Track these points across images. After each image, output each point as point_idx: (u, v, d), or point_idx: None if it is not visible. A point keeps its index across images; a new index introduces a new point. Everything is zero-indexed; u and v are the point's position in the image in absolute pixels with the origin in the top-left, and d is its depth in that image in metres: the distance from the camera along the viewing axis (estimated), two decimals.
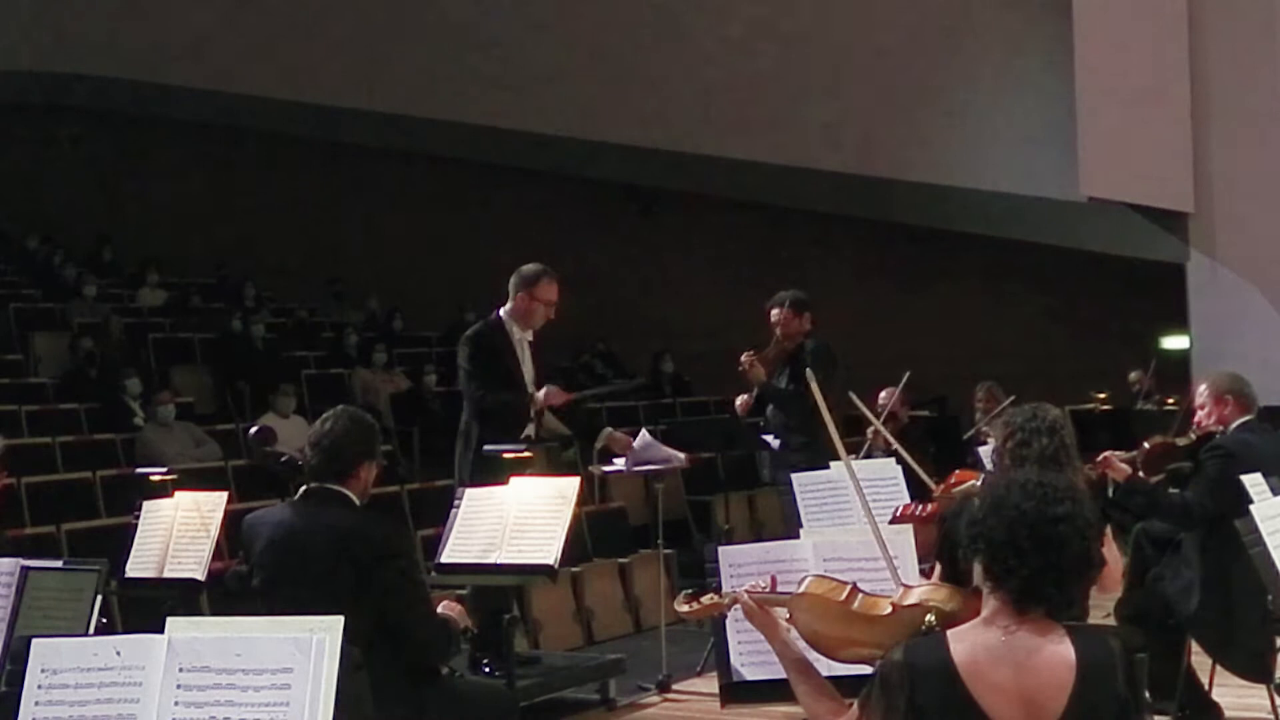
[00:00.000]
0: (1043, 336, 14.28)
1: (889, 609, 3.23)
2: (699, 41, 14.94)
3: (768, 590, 3.46)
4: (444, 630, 4.46)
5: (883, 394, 10.23)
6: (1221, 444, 5.74)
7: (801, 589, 3.38)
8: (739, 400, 7.98)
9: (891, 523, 5.03)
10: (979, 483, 4.90)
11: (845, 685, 3.35)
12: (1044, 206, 13.19)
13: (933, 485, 5.62)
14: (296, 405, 11.22)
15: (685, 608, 3.58)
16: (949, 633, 2.86)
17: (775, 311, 7.81)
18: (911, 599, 3.22)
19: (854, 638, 3.27)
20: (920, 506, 5.45)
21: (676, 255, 16.04)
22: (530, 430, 6.70)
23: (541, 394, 6.72)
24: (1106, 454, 5.76)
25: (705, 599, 3.57)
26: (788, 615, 3.38)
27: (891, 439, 6.67)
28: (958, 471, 5.53)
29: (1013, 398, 8.85)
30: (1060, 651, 2.77)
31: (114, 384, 11.41)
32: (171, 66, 17.83)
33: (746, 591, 3.46)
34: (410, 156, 17.12)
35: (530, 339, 6.81)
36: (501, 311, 6.76)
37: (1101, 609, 6.25)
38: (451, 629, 4.50)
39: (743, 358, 7.75)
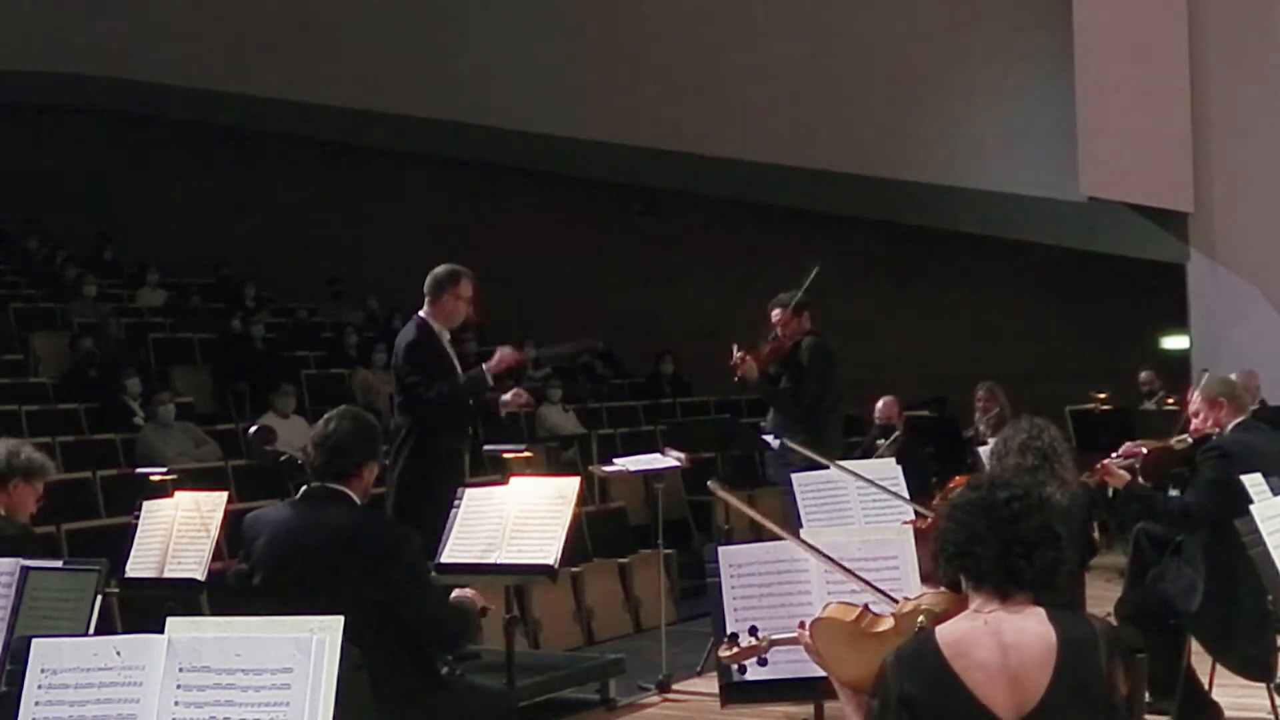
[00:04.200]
0: (1043, 336, 14.26)
1: (891, 622, 3.35)
2: (700, 42, 14.94)
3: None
4: (459, 614, 4.57)
5: (879, 404, 10.21)
6: (1217, 444, 5.73)
7: (821, 614, 3.49)
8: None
9: None
10: None
11: None
12: (1044, 206, 13.18)
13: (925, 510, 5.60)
14: (296, 405, 11.22)
15: (727, 653, 3.72)
16: (937, 627, 2.96)
17: (776, 312, 7.89)
18: (908, 607, 3.35)
19: (864, 652, 3.34)
20: (921, 519, 5.42)
21: (676, 255, 16.03)
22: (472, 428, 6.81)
23: (494, 360, 6.82)
24: (1104, 461, 5.76)
25: (744, 643, 3.69)
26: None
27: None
28: (958, 478, 5.51)
29: (1028, 415, 8.81)
30: (1040, 630, 2.85)
31: (114, 384, 11.40)
32: (172, 67, 17.83)
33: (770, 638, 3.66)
34: (410, 156, 17.11)
35: (449, 337, 6.94)
36: (423, 314, 6.89)
37: (1102, 609, 6.25)
38: (469, 610, 4.61)
39: (735, 354, 7.75)
